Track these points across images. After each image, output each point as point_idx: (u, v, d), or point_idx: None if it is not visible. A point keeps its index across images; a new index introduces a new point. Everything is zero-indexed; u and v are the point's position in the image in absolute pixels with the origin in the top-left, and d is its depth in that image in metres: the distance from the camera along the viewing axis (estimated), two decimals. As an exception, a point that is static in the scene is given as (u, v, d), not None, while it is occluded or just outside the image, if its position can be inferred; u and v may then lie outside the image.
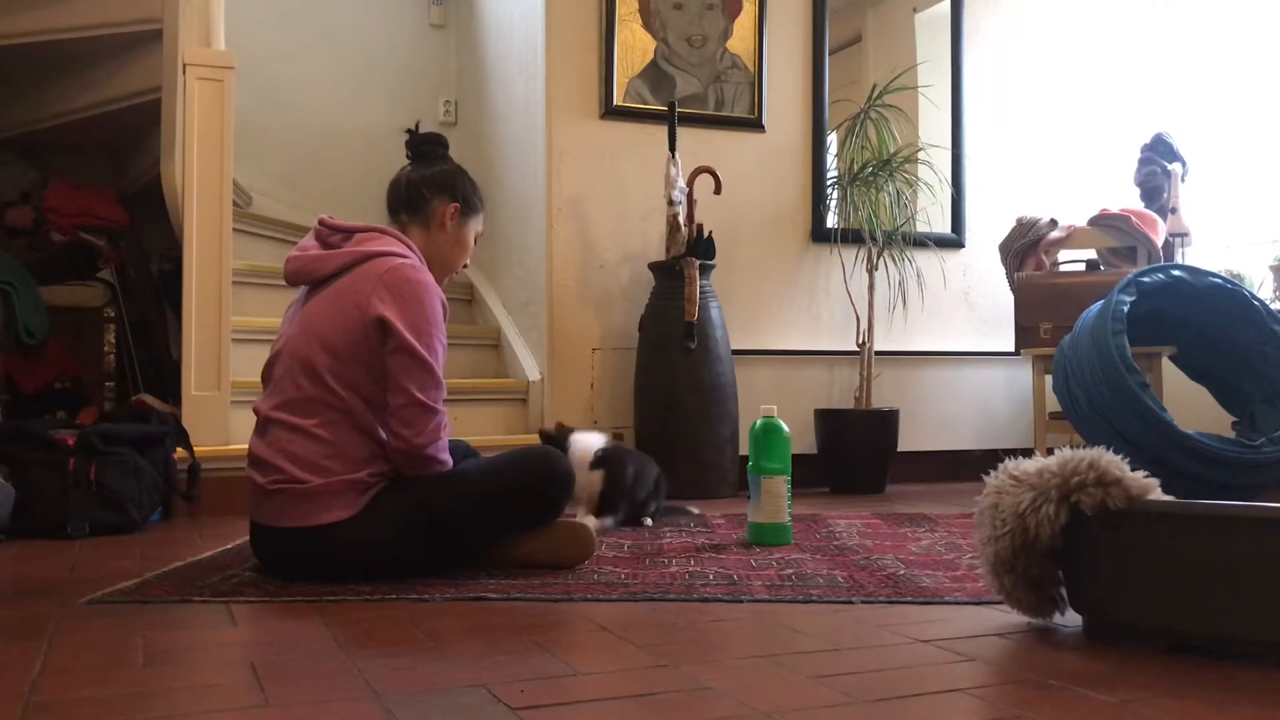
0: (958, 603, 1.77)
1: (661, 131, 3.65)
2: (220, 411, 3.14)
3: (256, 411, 2.01)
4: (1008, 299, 3.95)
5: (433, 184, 2.16)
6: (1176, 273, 3.29)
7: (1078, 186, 4.33)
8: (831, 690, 1.25)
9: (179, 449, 2.95)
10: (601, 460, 2.56)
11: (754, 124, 3.92)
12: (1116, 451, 1.52)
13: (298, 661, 1.39)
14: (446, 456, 2.00)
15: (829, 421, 3.74)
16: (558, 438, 2.62)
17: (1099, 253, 4.07)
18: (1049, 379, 3.50)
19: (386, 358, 1.92)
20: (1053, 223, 3.95)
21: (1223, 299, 3.31)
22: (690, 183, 3.62)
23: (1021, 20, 4.44)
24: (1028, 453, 1.84)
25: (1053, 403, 3.54)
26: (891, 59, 4.33)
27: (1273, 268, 3.97)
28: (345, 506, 1.90)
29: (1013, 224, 4.04)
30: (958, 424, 4.17)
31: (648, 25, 3.79)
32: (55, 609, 1.73)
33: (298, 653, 1.44)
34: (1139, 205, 4.10)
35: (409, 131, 2.26)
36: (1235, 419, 3.48)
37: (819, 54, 4.03)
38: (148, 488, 2.77)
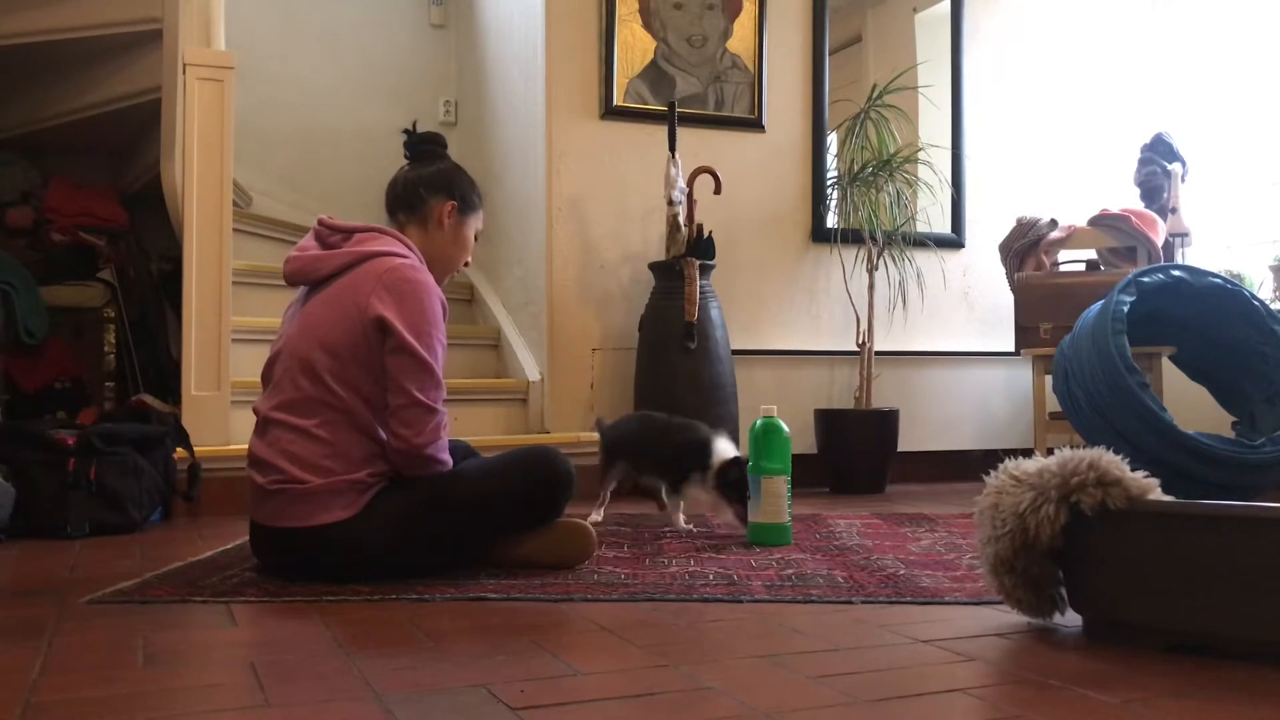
0: (958, 603, 1.77)
1: (661, 131, 3.65)
2: (220, 411, 3.14)
3: (256, 412, 2.01)
4: (1008, 299, 3.95)
5: (429, 183, 2.15)
6: (1176, 273, 3.29)
7: (1078, 186, 4.33)
8: (831, 690, 1.25)
9: (179, 449, 2.95)
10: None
11: (754, 124, 3.92)
12: (1116, 451, 1.52)
13: (298, 661, 1.39)
14: (446, 456, 2.00)
15: (829, 421, 3.74)
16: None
17: (1099, 253, 4.07)
18: (1049, 379, 3.50)
19: (386, 358, 1.92)
20: (1053, 223, 3.95)
21: (1223, 299, 3.31)
22: (690, 183, 3.62)
23: (1021, 20, 4.44)
24: (1028, 453, 1.84)
25: (1053, 403, 3.54)
26: (891, 59, 4.33)
27: (1273, 268, 3.97)
28: (345, 506, 1.90)
29: (1013, 224, 4.04)
30: (958, 424, 4.17)
31: (648, 25, 3.79)
32: (55, 609, 1.73)
33: (298, 653, 1.44)
34: (1139, 205, 4.10)
35: (406, 131, 2.25)
36: (1235, 419, 3.48)
37: (819, 54, 4.03)
38: (148, 488, 2.77)
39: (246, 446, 2.02)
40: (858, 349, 3.81)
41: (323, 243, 2.08)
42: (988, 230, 4.20)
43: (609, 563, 2.14)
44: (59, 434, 2.75)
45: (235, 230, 3.35)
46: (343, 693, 1.24)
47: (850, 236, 3.86)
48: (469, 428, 3.39)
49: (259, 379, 2.08)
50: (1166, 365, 3.54)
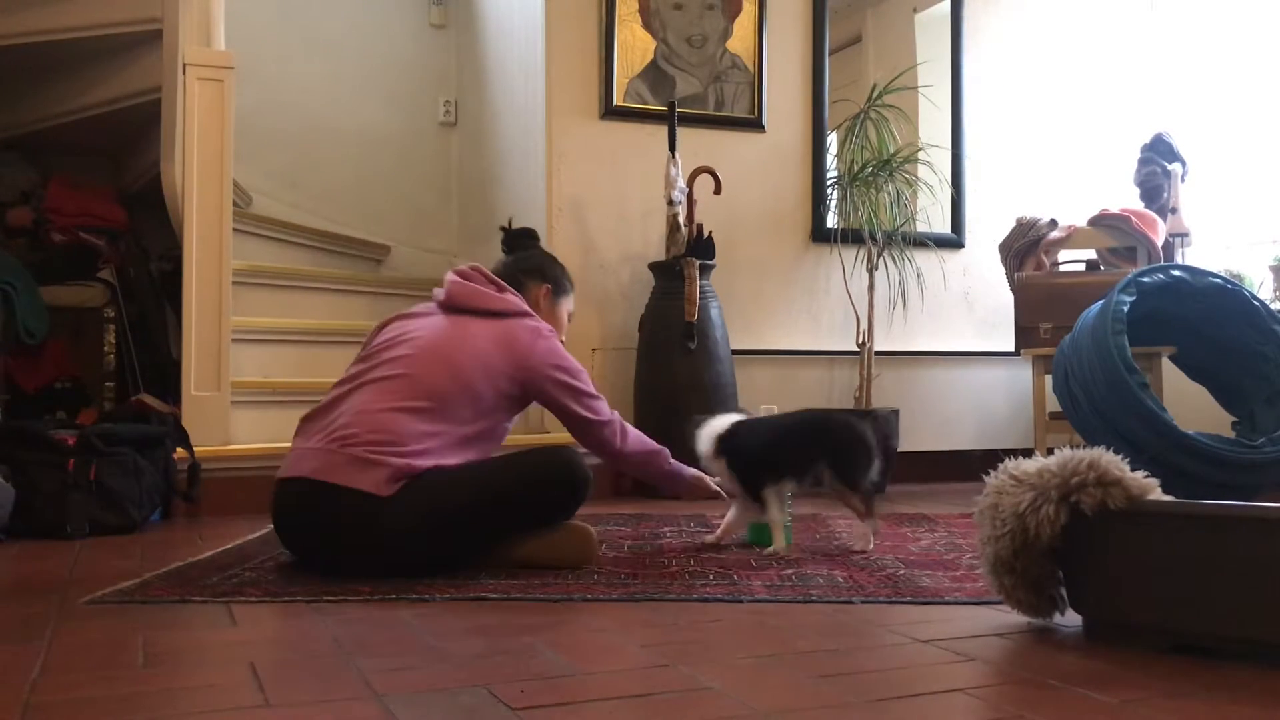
0: (958, 603, 1.77)
1: (661, 131, 3.65)
2: (220, 411, 3.14)
3: (350, 379, 2.10)
4: (1008, 299, 3.95)
5: (528, 269, 2.39)
6: (1176, 273, 3.29)
7: (1078, 186, 4.33)
8: (831, 690, 1.25)
9: (179, 449, 2.95)
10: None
11: (754, 124, 3.92)
12: (1116, 451, 1.52)
13: (298, 661, 1.39)
14: (630, 440, 2.31)
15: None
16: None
17: (1099, 253, 4.07)
18: (1049, 379, 3.50)
19: (551, 408, 2.23)
20: (1053, 223, 3.95)
21: (1223, 299, 3.31)
22: (690, 183, 3.62)
23: (1021, 20, 4.44)
24: (1028, 453, 1.84)
25: (1053, 403, 3.54)
26: (891, 59, 4.33)
27: (1273, 268, 3.98)
28: (391, 481, 1.94)
29: (1013, 224, 4.04)
30: (958, 424, 4.17)
31: (648, 25, 3.79)
32: (55, 609, 1.73)
33: (298, 653, 1.44)
34: (1139, 205, 4.10)
35: (503, 229, 2.52)
36: (1235, 419, 3.48)
37: (819, 54, 4.03)
38: (148, 488, 2.77)
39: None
40: (858, 349, 3.81)
41: (472, 281, 2.25)
42: (988, 230, 4.20)
43: (609, 563, 2.14)
44: (59, 434, 2.75)
45: (235, 230, 3.35)
46: (343, 693, 1.24)
47: (850, 236, 3.86)
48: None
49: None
50: (1166, 365, 3.54)
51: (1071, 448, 1.54)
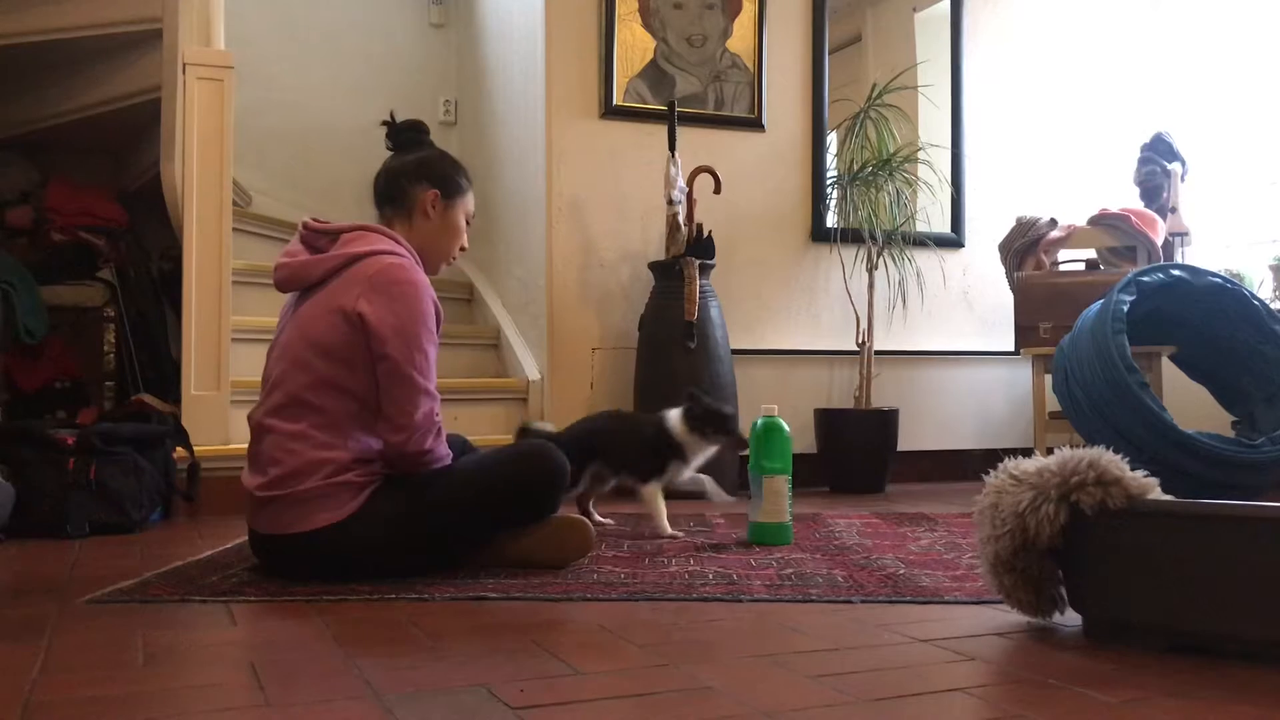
0: (958, 602, 1.77)
1: (661, 131, 3.65)
2: (220, 411, 3.14)
3: (251, 420, 2.01)
4: (1008, 299, 3.95)
5: (410, 173, 2.11)
6: (1176, 272, 3.29)
7: (1078, 186, 4.33)
8: (831, 690, 1.25)
9: (179, 449, 2.95)
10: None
11: (754, 124, 3.92)
12: (1116, 451, 1.52)
13: (298, 661, 1.39)
14: (442, 450, 2.00)
15: (829, 421, 3.74)
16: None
17: (1099, 252, 4.07)
18: (1049, 379, 3.50)
19: (376, 363, 1.91)
20: (1053, 222, 3.95)
21: (1223, 299, 3.31)
22: (690, 182, 3.62)
23: (1022, 20, 4.44)
24: (1028, 452, 1.84)
25: (1053, 402, 3.54)
26: (891, 59, 4.33)
27: (1273, 268, 3.97)
28: (338, 508, 1.90)
29: (1013, 224, 4.04)
30: (958, 424, 4.17)
31: (648, 25, 3.79)
32: (55, 609, 1.73)
33: (298, 653, 1.44)
34: (1139, 205, 4.10)
35: (386, 123, 2.19)
36: (1235, 419, 3.48)
37: (819, 53, 4.03)
38: (148, 488, 2.77)
39: (245, 447, 2.02)
40: (857, 348, 3.81)
41: (310, 246, 2.06)
42: (988, 230, 4.20)
43: (609, 562, 2.14)
44: (59, 434, 2.75)
45: (235, 230, 3.35)
46: (343, 693, 1.24)
47: (850, 236, 3.86)
48: (469, 427, 3.38)
49: (259, 379, 2.08)
50: (1166, 365, 3.54)
51: (1071, 447, 1.54)
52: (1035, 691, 1.25)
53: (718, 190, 3.66)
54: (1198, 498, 1.56)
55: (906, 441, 3.86)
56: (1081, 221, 3.97)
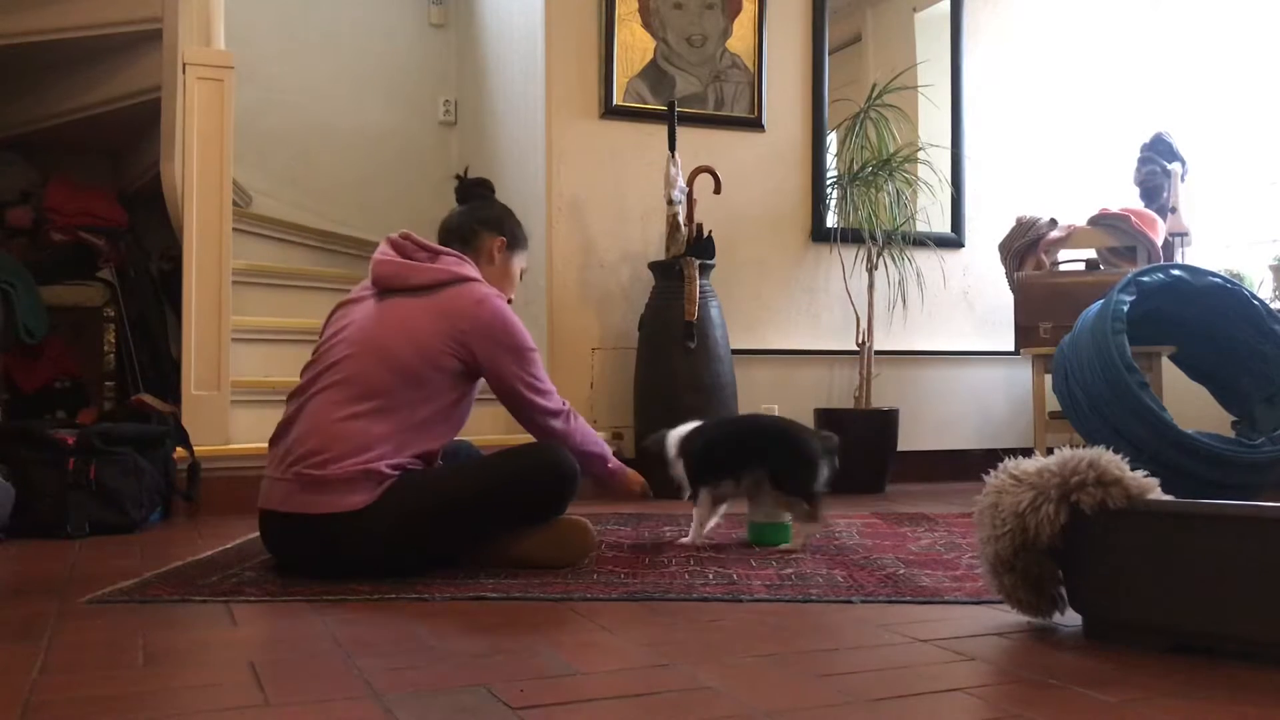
0: (958, 602, 1.77)
1: (661, 131, 3.65)
2: (220, 411, 3.14)
3: (300, 390, 2.04)
4: (1008, 299, 3.95)
5: (482, 220, 2.29)
6: (1176, 272, 3.29)
7: (1078, 186, 4.33)
8: (831, 690, 1.25)
9: (179, 449, 2.95)
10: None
11: (754, 124, 3.92)
12: (1116, 451, 1.52)
13: (298, 661, 1.39)
14: (581, 433, 2.21)
15: (829, 421, 3.74)
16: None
17: (1099, 252, 4.07)
18: (1049, 379, 3.50)
19: (497, 385, 2.12)
20: (1053, 222, 3.96)
21: (1222, 299, 3.31)
22: (690, 182, 3.62)
23: (1021, 20, 4.44)
24: (1028, 452, 1.84)
25: (1053, 402, 3.54)
26: (891, 59, 4.33)
27: (1273, 268, 3.97)
28: (356, 497, 1.92)
29: (1013, 224, 4.04)
30: (958, 424, 4.17)
31: (648, 25, 3.79)
32: (55, 609, 1.73)
33: (298, 653, 1.44)
34: (1139, 205, 4.10)
35: (458, 177, 2.41)
36: (1235, 419, 3.48)
37: (819, 54, 4.03)
38: (148, 488, 2.77)
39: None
40: (857, 348, 3.81)
41: (405, 255, 2.15)
42: (988, 230, 4.20)
43: (609, 562, 2.14)
44: (59, 434, 2.75)
45: (235, 230, 3.35)
46: (343, 693, 1.24)
47: (850, 236, 3.86)
48: (469, 427, 3.36)
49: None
50: (1166, 365, 3.54)
51: (1071, 447, 1.54)
52: (1035, 691, 1.25)
53: (718, 190, 3.66)
54: (1198, 498, 1.56)
55: (906, 441, 3.86)
56: (1081, 221, 3.97)
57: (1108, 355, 3.00)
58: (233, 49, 3.41)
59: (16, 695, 1.23)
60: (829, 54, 4.05)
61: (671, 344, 3.43)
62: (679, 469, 2.44)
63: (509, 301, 2.26)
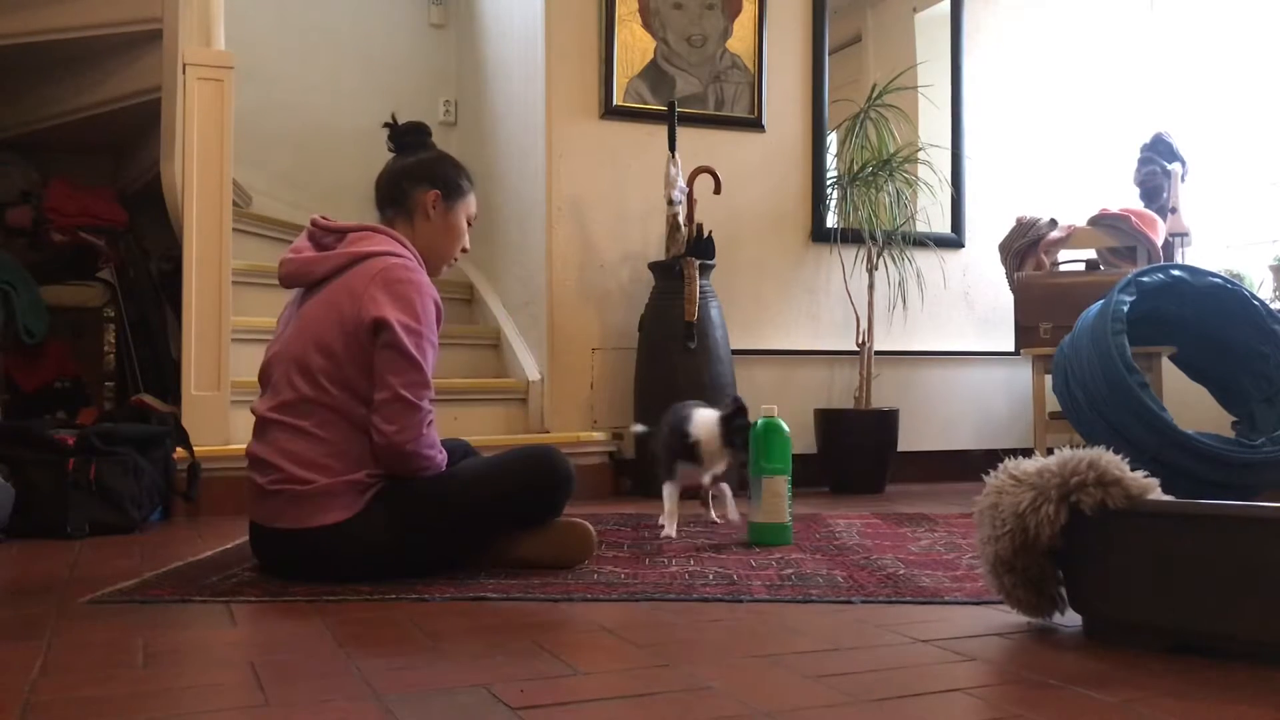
0: (958, 603, 1.77)
1: (661, 131, 3.65)
2: (220, 411, 3.14)
3: (255, 413, 2.02)
4: (1008, 299, 3.95)
5: (411, 174, 2.12)
6: (1176, 273, 3.29)
7: (1078, 186, 4.33)
8: (831, 690, 1.25)
9: (179, 449, 2.95)
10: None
11: (754, 124, 3.92)
12: (1116, 451, 1.52)
13: (298, 661, 1.39)
14: (434, 453, 1.98)
15: (829, 421, 3.74)
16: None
17: (1099, 253, 4.07)
18: (1049, 379, 3.50)
19: (375, 353, 1.91)
20: (1053, 223, 3.95)
21: (1223, 299, 3.31)
22: (690, 183, 3.62)
23: (1021, 20, 4.44)
24: (1028, 453, 1.84)
25: (1053, 403, 3.54)
26: (891, 59, 4.33)
27: (1273, 268, 3.98)
28: (344, 507, 1.90)
29: (1013, 224, 4.04)
30: (958, 424, 4.17)
31: (648, 25, 3.79)
32: (55, 609, 1.73)
33: (298, 653, 1.44)
34: (1139, 205, 4.10)
35: (387, 125, 2.19)
36: (1235, 419, 3.48)
37: (819, 54, 4.03)
38: (148, 488, 2.77)
39: (246, 446, 2.02)
40: (858, 349, 3.81)
41: (317, 243, 2.08)
42: (988, 230, 4.20)
43: (609, 563, 2.14)
44: (59, 434, 2.75)
45: (235, 230, 3.35)
46: (343, 693, 1.24)
47: (850, 236, 3.86)
48: (469, 427, 3.39)
49: (257, 380, 2.08)
50: (1166, 365, 3.54)
51: (1071, 448, 1.54)
52: (1035, 691, 1.25)
53: (718, 190, 3.66)
54: (1198, 498, 1.56)
55: (906, 441, 3.86)
56: (1081, 222, 3.97)
57: (1108, 355, 3.00)
58: (233, 49, 3.41)
59: (16, 695, 1.23)
60: (829, 54, 4.05)
61: (671, 344, 3.43)
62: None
63: (463, 251, 2.17)
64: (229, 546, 2.35)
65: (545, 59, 3.69)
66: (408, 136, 2.18)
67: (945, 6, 4.32)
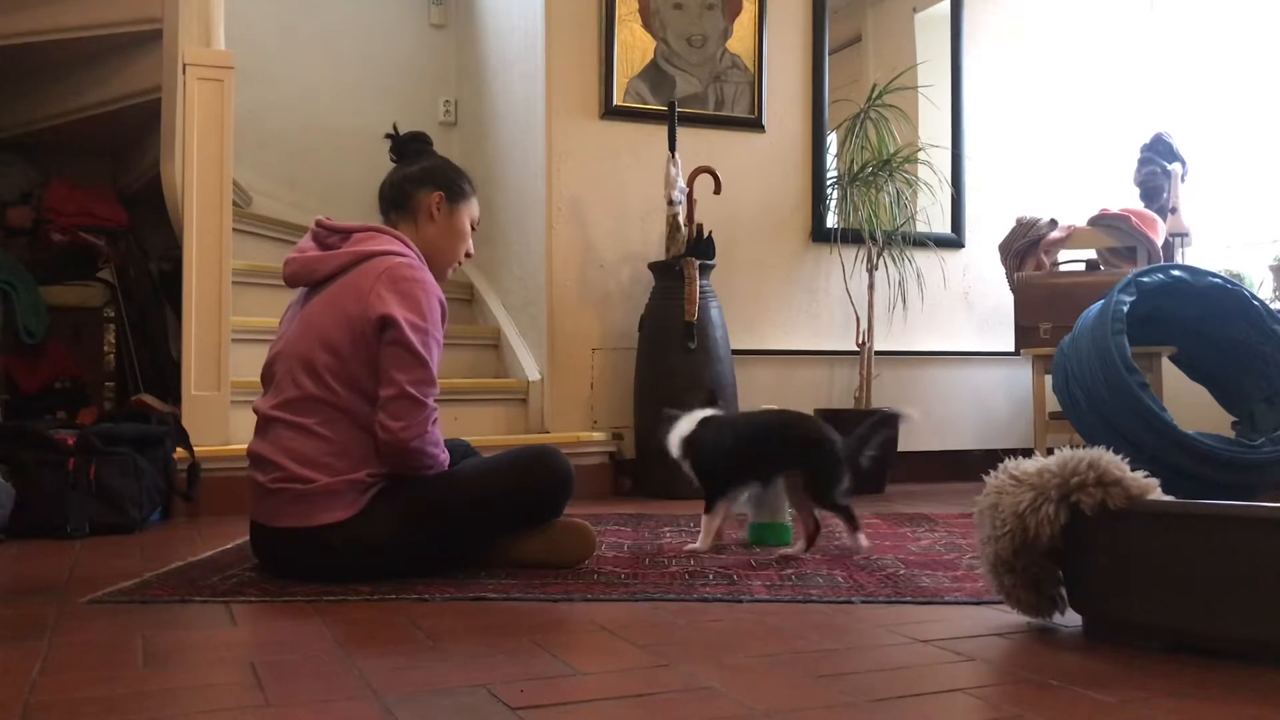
0: (958, 603, 1.77)
1: (661, 131, 3.65)
2: (220, 411, 3.14)
3: (257, 411, 2.02)
4: (1008, 299, 3.95)
5: (414, 178, 2.14)
6: (1176, 273, 3.29)
7: (1078, 186, 4.33)
8: (831, 690, 1.25)
9: (179, 449, 2.95)
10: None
11: (754, 124, 3.92)
12: (1116, 451, 1.52)
13: (298, 661, 1.39)
14: (437, 451, 1.99)
15: (829, 421, 3.73)
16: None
17: (1099, 253, 4.07)
18: (1049, 379, 3.50)
19: (381, 350, 1.92)
20: (1053, 223, 3.96)
21: (1223, 299, 3.31)
22: (690, 183, 3.62)
23: (1021, 20, 4.44)
24: (1028, 453, 1.84)
25: (1053, 403, 3.54)
26: (891, 59, 4.33)
27: (1273, 268, 3.98)
28: (346, 506, 1.90)
29: (1013, 224, 4.04)
30: (958, 424, 4.17)
31: (648, 25, 3.79)
32: (55, 609, 1.73)
33: (298, 653, 1.44)
34: (1139, 205, 4.10)
35: (389, 136, 2.22)
36: (1235, 419, 3.48)
37: (819, 54, 4.03)
38: (148, 488, 2.77)
39: (246, 446, 2.02)
40: (858, 349, 3.81)
41: (321, 244, 2.08)
42: (988, 230, 4.20)
43: (609, 563, 2.14)
44: (59, 434, 2.75)
45: (235, 230, 3.35)
46: (343, 693, 1.24)
47: (850, 236, 3.86)
48: (469, 427, 3.39)
49: (259, 379, 2.08)
50: (1166, 365, 3.54)
51: (1071, 448, 1.54)
52: (1035, 691, 1.25)
53: (718, 190, 3.66)
54: (1198, 498, 1.56)
55: (906, 442, 3.86)
56: (1081, 222, 3.97)
57: (1108, 356, 3.00)
58: (233, 49, 3.41)
59: (16, 695, 1.23)
60: (829, 54, 4.05)
61: (671, 344, 3.43)
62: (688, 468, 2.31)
63: (468, 255, 2.18)
64: (229, 546, 2.35)
65: (545, 59, 3.69)
66: (409, 145, 2.21)
67: (945, 6, 4.32)
